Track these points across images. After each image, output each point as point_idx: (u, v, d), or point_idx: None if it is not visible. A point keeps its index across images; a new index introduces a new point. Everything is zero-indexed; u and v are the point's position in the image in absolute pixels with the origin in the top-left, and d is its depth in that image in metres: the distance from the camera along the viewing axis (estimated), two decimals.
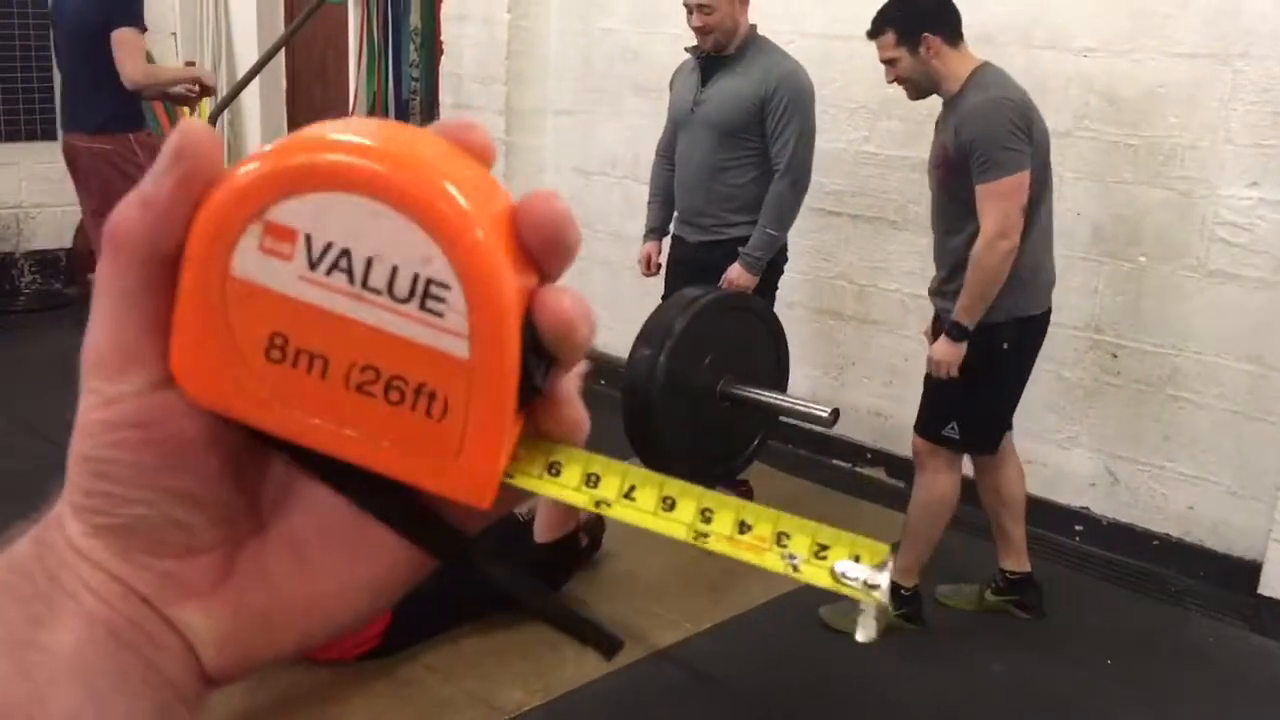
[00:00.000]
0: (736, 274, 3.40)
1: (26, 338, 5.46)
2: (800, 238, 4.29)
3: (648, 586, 3.25)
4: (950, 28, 2.88)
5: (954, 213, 2.91)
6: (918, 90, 2.97)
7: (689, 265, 3.57)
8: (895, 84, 3.00)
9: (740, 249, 3.41)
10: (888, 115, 4.02)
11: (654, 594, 3.19)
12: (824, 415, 2.43)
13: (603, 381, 5.13)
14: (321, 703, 2.62)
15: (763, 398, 2.51)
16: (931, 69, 2.88)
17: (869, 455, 4.26)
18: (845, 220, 4.20)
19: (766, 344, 2.68)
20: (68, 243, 6.21)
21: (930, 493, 3.09)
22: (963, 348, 2.88)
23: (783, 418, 2.58)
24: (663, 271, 3.74)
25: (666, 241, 3.76)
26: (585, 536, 3.20)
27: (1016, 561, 3.25)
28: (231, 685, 0.38)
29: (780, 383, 2.66)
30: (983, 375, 2.93)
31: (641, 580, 3.28)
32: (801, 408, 2.48)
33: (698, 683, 2.88)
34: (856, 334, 4.25)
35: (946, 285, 3.00)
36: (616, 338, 5.07)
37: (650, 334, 2.46)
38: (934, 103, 3.18)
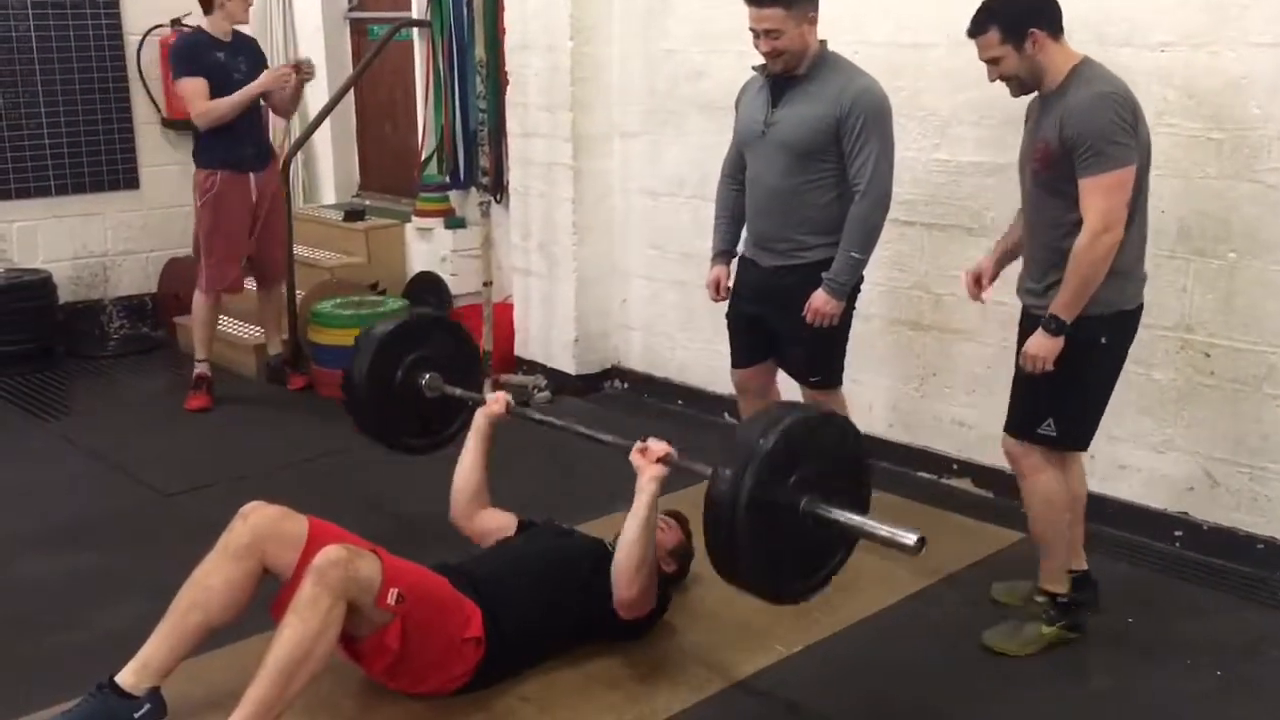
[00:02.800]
0: (822, 301, 3.35)
1: (117, 381, 5.61)
2: (877, 249, 4.21)
3: (737, 610, 3.20)
4: (1053, 21, 2.84)
5: (1053, 207, 2.86)
6: (1022, 87, 2.92)
7: (761, 290, 3.53)
8: (998, 82, 2.93)
9: (824, 275, 3.35)
10: (958, 121, 3.96)
11: (743, 618, 3.15)
12: (909, 544, 2.39)
13: (680, 402, 5.12)
14: None
15: (849, 520, 2.49)
16: (1036, 64, 2.83)
17: (954, 466, 4.18)
18: (919, 230, 4.14)
19: (850, 463, 2.66)
20: (153, 288, 6.37)
21: (1038, 494, 3.04)
22: (1059, 342, 2.83)
23: (864, 540, 2.54)
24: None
25: (734, 264, 3.71)
26: (674, 563, 3.18)
27: (1075, 561, 3.15)
28: None
29: (862, 502, 2.66)
30: (1080, 370, 2.88)
31: (730, 604, 3.23)
32: (885, 534, 2.44)
33: (791, 711, 2.84)
34: (936, 344, 4.18)
35: (1039, 282, 2.94)
36: (692, 357, 5.07)
37: (735, 452, 2.45)
38: (1009, 107, 3.12)
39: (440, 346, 3.60)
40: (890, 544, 2.41)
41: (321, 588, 2.40)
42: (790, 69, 3.35)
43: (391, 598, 2.49)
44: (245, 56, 5.00)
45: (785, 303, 3.42)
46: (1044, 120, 2.85)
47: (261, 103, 5.04)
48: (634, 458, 2.84)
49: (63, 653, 3.02)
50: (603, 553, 2.97)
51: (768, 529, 2.42)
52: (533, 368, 5.45)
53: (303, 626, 2.38)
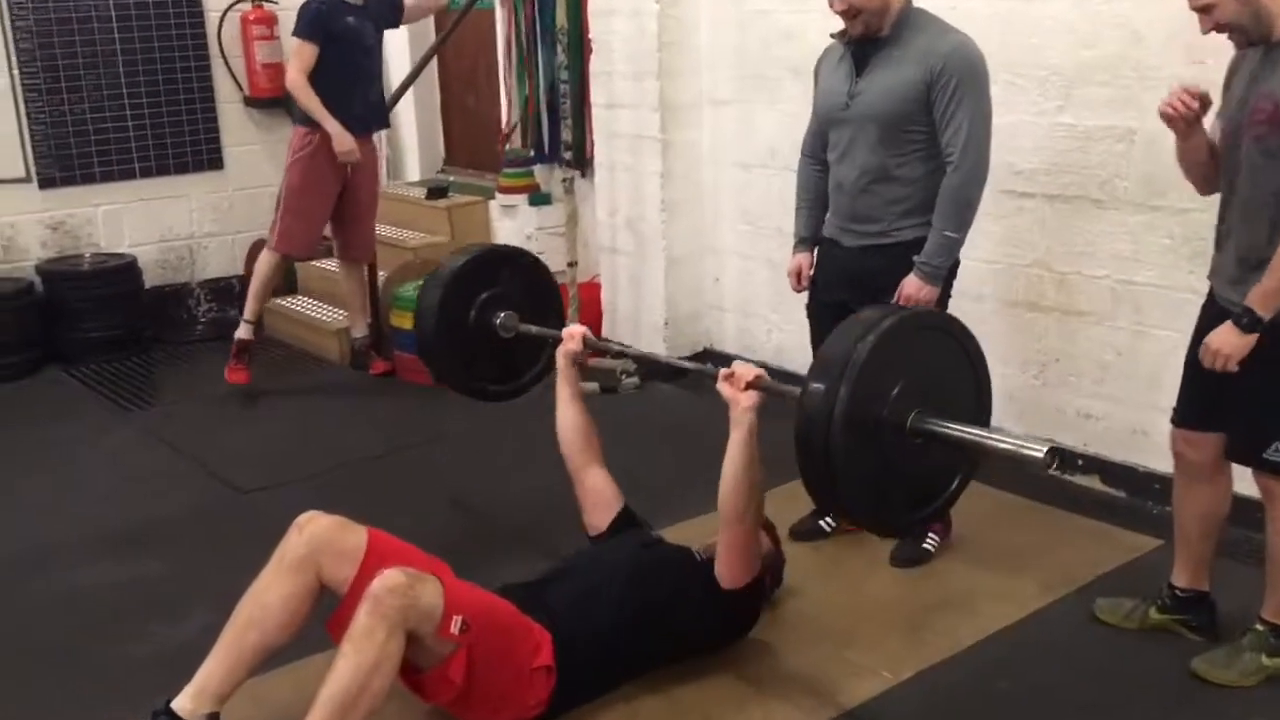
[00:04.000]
0: (915, 288, 3.02)
1: (202, 367, 5.51)
2: (989, 223, 3.87)
3: (837, 628, 2.93)
4: None
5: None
6: (1245, 36, 2.48)
7: (846, 273, 3.20)
8: (1214, 33, 2.52)
9: (915, 258, 3.02)
10: (1085, 81, 3.56)
11: (844, 637, 2.87)
12: (1038, 455, 2.05)
13: None
14: None
15: (963, 433, 2.15)
16: (1261, 9, 2.42)
17: (1080, 462, 3.81)
18: (1040, 201, 3.76)
19: (965, 372, 2.32)
20: (239, 270, 6.27)
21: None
22: (1250, 340, 2.46)
23: (988, 458, 2.19)
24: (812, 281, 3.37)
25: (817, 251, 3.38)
26: (766, 573, 2.91)
27: (1192, 579, 2.84)
28: None
29: (981, 418, 2.30)
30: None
31: (829, 621, 2.97)
32: (1009, 445, 2.10)
33: None
34: (1059, 327, 3.80)
35: (1240, 268, 2.54)
36: (789, 339, 4.76)
37: (827, 364, 2.13)
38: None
39: (515, 283, 3.35)
40: (1014, 458, 2.10)
41: (378, 618, 2.19)
42: (872, 32, 3.00)
43: (455, 626, 2.27)
44: (378, 18, 4.89)
45: (872, 288, 3.08)
46: (1269, 75, 2.45)
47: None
48: (722, 387, 2.57)
49: (125, 668, 2.87)
50: (691, 565, 2.71)
51: (869, 449, 2.12)
52: (620, 351, 5.18)
53: (358, 659, 2.17)
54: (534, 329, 3.29)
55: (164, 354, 5.72)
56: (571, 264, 5.00)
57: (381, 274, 5.39)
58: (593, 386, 4.87)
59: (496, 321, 3.28)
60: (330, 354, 5.47)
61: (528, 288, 3.38)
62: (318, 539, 2.49)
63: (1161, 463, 3.53)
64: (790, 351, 4.73)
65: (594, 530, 2.99)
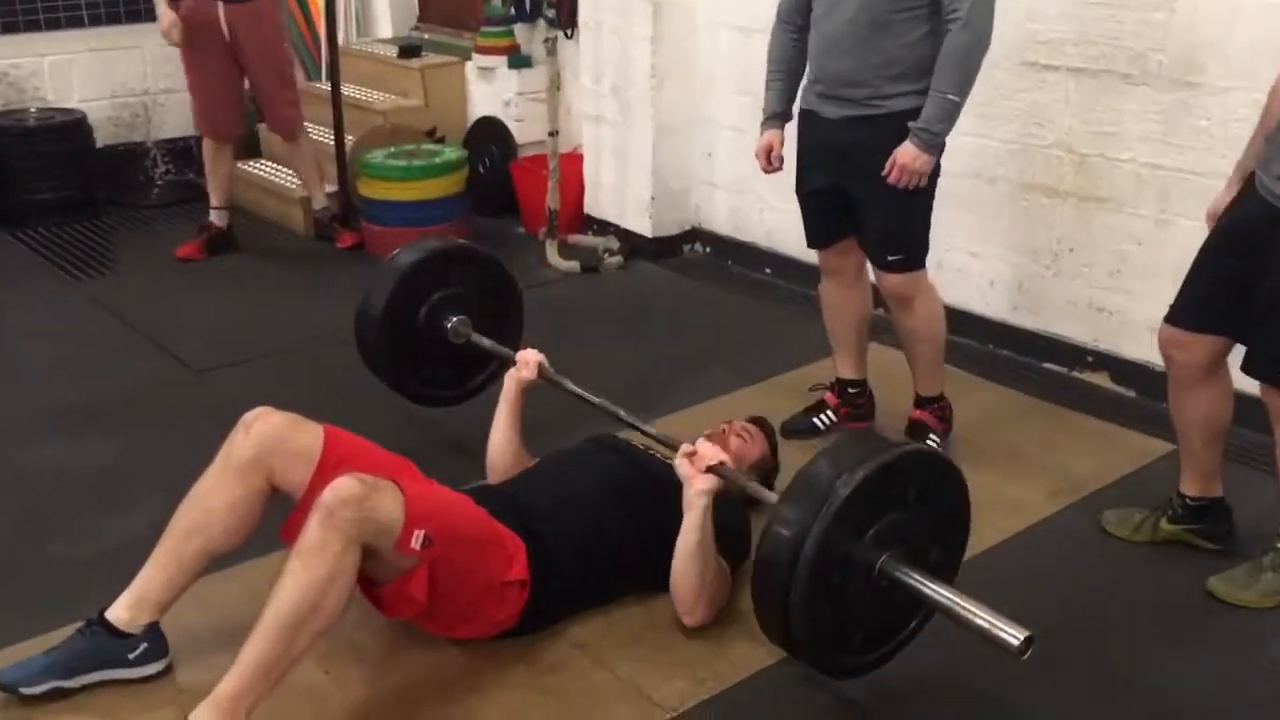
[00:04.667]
0: (910, 157, 2.72)
1: (159, 234, 5.19)
2: (1005, 99, 3.59)
3: None
4: None
5: None
6: None
7: (830, 149, 2.89)
8: None
9: (911, 124, 2.72)
10: None
11: None
12: (1014, 643, 1.86)
13: (768, 270, 4.55)
14: (451, 692, 2.23)
15: (935, 593, 1.97)
16: None
17: (1089, 358, 3.59)
18: (1064, 75, 3.45)
19: (950, 521, 2.14)
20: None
21: None
22: None
23: (956, 622, 1.99)
24: (787, 161, 3.06)
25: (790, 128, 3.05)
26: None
27: (1203, 487, 2.67)
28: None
29: (951, 563, 2.15)
30: None
31: None
32: (984, 623, 1.91)
33: (899, 674, 2.37)
34: (1075, 214, 3.54)
35: None
36: (784, 221, 4.46)
37: (806, 491, 1.95)
38: None
39: (476, 284, 3.11)
40: (987, 638, 1.91)
41: (330, 530, 1.97)
42: None
43: (416, 541, 2.05)
44: None
45: (858, 165, 2.81)
46: None
47: None
48: (680, 464, 2.33)
49: (64, 567, 2.65)
50: (671, 476, 2.49)
51: (832, 592, 1.96)
52: (604, 228, 4.90)
53: (307, 576, 1.95)
54: (487, 342, 3.05)
55: (118, 219, 5.39)
56: (553, 133, 4.67)
57: (349, 139, 5.04)
58: (573, 265, 4.60)
59: (448, 326, 3.04)
60: (295, 223, 5.16)
61: (487, 291, 3.13)
62: (267, 439, 2.26)
63: None
64: (783, 234, 4.45)
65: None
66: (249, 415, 2.31)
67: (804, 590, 1.90)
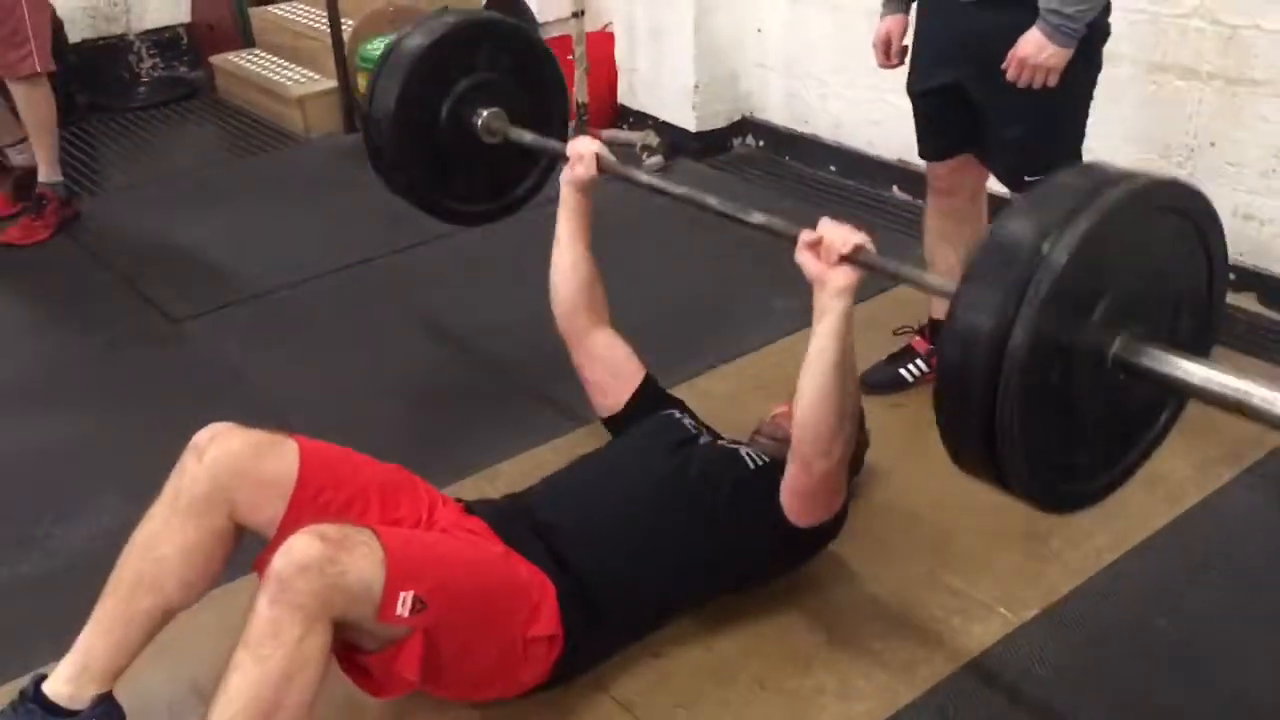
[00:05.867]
0: (1034, 46, 2.11)
1: (146, 142, 4.65)
2: None
3: (931, 536, 2.21)
4: None
5: None
6: None
7: (954, 38, 2.29)
8: None
9: (1041, 4, 2.11)
10: None
11: (941, 550, 2.16)
12: None
13: (833, 169, 3.93)
14: None
15: (1188, 376, 1.35)
16: None
17: (1232, 277, 2.96)
18: None
19: (1195, 274, 1.47)
20: (186, 16, 5.28)
21: None
22: None
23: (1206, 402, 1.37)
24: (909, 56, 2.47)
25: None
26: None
27: None
28: None
29: (1204, 340, 1.49)
30: None
31: (921, 525, 2.25)
32: (1263, 403, 1.30)
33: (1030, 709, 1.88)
34: (1220, 101, 2.88)
35: None
36: (850, 109, 3.75)
37: (1001, 261, 1.30)
38: None
39: (503, 68, 2.47)
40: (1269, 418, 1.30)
41: (284, 609, 1.47)
42: None
43: (403, 606, 1.55)
44: None
45: (988, 60, 2.21)
46: None
47: None
48: (803, 258, 1.76)
49: (8, 593, 2.20)
50: (745, 478, 1.97)
51: (1053, 399, 1.34)
52: (640, 121, 4.28)
53: (258, 671, 1.47)
54: (528, 136, 2.43)
55: (101, 125, 4.81)
56: (578, 13, 4.01)
57: (347, 25, 4.41)
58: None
59: (478, 123, 2.42)
60: (294, 125, 4.58)
61: (520, 73, 2.49)
62: (225, 468, 1.75)
63: None
64: (853, 127, 3.82)
65: (606, 411, 2.24)
66: (201, 435, 1.80)
67: (1015, 399, 1.28)
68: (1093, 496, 1.48)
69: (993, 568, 2.12)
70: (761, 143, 4.15)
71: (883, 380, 2.67)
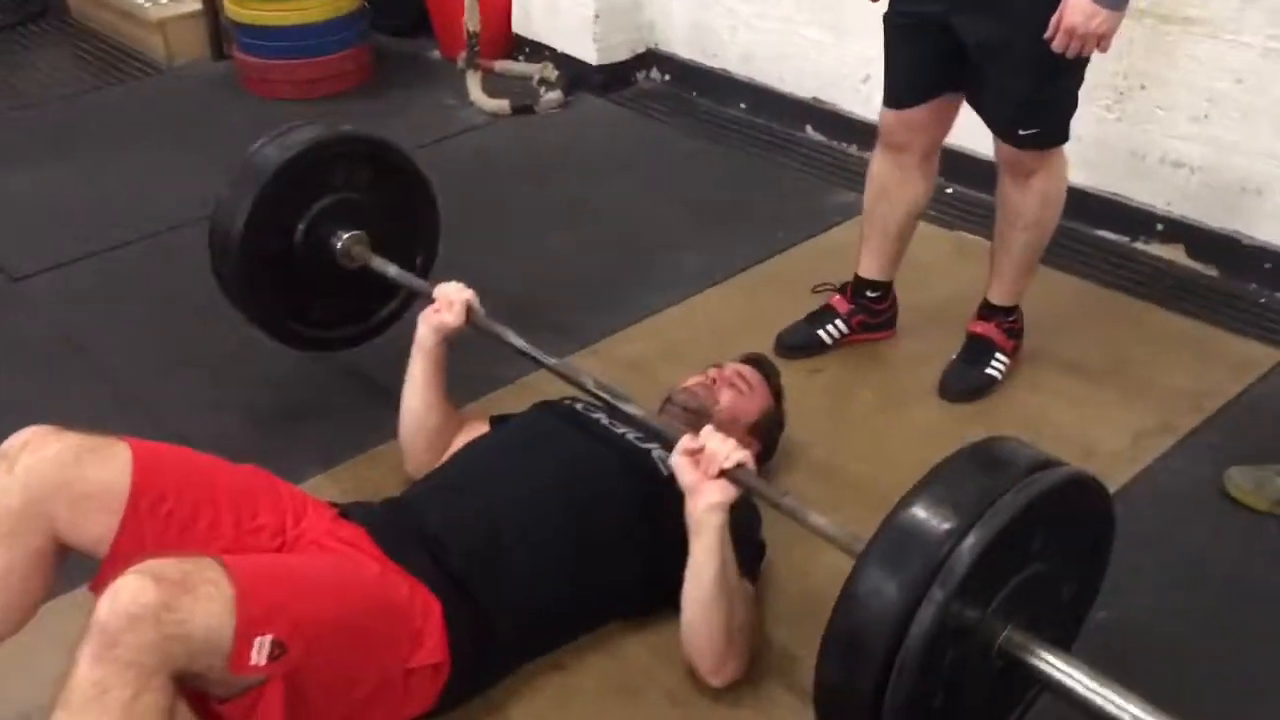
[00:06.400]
0: (1083, 14, 1.86)
1: (7, 68, 4.20)
2: None
3: (856, 522, 2.04)
4: None
5: None
6: None
7: None
8: None
9: None
10: None
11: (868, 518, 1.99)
12: None
13: (743, 106, 3.66)
14: None
15: (1064, 679, 1.33)
16: None
17: (1159, 227, 2.85)
18: None
19: (1084, 569, 1.48)
20: None
21: None
22: None
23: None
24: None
25: None
26: (756, 441, 1.99)
27: None
28: None
29: (1072, 633, 1.51)
30: None
31: (849, 512, 2.07)
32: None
33: None
34: (1152, 40, 2.72)
35: None
36: (762, 41, 3.50)
37: (915, 534, 1.28)
38: None
39: (371, 184, 2.23)
40: None
41: (111, 667, 1.23)
42: None
43: (259, 653, 1.32)
44: None
45: (1000, 12, 1.99)
46: None
47: None
48: (680, 463, 1.59)
49: None
50: (654, 478, 1.76)
51: (945, 675, 1.30)
52: (537, 52, 3.98)
53: None
54: (392, 269, 2.20)
55: None
56: None
57: None
58: (501, 105, 3.71)
59: (337, 245, 2.18)
60: (155, 52, 4.18)
61: (385, 193, 2.24)
62: (41, 479, 1.48)
63: (1278, 234, 2.61)
64: (762, 58, 3.58)
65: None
66: (12, 441, 1.52)
67: (910, 681, 1.24)
68: None
69: None
70: (667, 77, 3.89)
71: (799, 342, 2.48)
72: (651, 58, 3.90)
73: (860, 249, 2.45)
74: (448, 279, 2.05)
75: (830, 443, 2.21)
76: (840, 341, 2.49)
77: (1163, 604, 1.88)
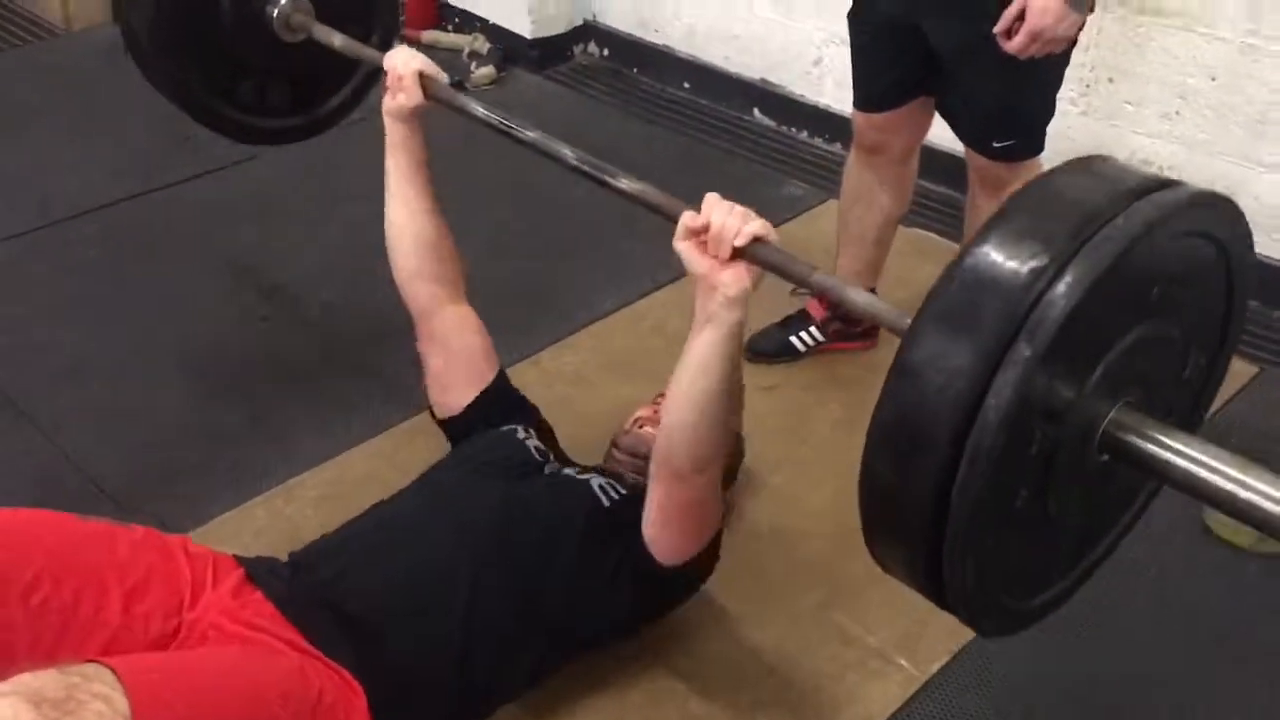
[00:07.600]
0: (1054, 17, 1.72)
1: None
2: None
3: (824, 563, 1.89)
4: None
5: None
6: None
7: None
8: None
9: None
10: None
11: (839, 579, 1.85)
12: None
13: (687, 85, 3.47)
14: None
15: (1216, 476, 0.97)
16: None
17: None
18: None
19: (1208, 319, 1.10)
20: None
21: None
22: None
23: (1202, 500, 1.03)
24: None
25: None
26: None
27: None
28: None
29: (1200, 410, 1.16)
30: None
31: (813, 545, 1.93)
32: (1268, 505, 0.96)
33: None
34: (1123, 31, 2.59)
35: None
36: (707, 16, 3.34)
37: (978, 292, 0.91)
38: None
39: None
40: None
41: None
42: None
43: None
44: None
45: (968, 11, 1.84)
46: None
47: None
48: (684, 248, 1.32)
49: None
50: (600, 519, 1.60)
51: (1027, 475, 0.98)
52: (468, 22, 3.74)
53: None
54: (337, 38, 1.90)
55: None
56: None
57: None
58: None
59: (274, 13, 1.90)
60: (52, 14, 3.87)
61: None
62: None
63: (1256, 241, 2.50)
64: (708, 39, 3.39)
65: (443, 411, 1.82)
66: None
67: (984, 473, 0.91)
68: (1046, 609, 1.15)
69: (891, 599, 1.82)
70: (606, 52, 3.68)
71: (770, 348, 2.33)
72: (590, 31, 3.69)
73: (836, 254, 2.30)
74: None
75: (790, 469, 2.07)
76: (813, 350, 2.35)
77: (1161, 641, 1.77)
